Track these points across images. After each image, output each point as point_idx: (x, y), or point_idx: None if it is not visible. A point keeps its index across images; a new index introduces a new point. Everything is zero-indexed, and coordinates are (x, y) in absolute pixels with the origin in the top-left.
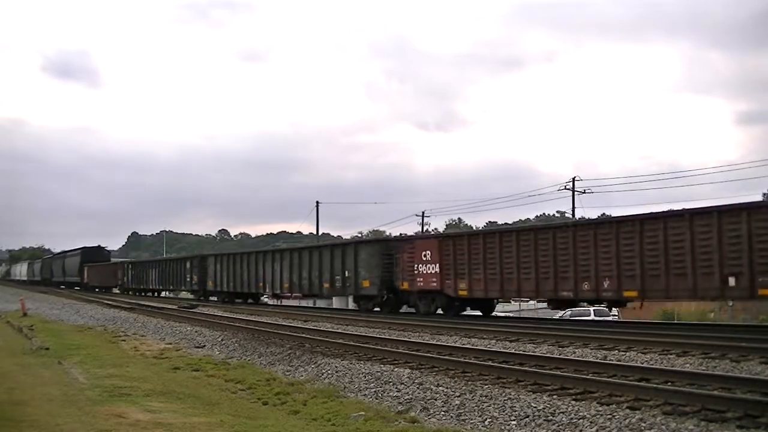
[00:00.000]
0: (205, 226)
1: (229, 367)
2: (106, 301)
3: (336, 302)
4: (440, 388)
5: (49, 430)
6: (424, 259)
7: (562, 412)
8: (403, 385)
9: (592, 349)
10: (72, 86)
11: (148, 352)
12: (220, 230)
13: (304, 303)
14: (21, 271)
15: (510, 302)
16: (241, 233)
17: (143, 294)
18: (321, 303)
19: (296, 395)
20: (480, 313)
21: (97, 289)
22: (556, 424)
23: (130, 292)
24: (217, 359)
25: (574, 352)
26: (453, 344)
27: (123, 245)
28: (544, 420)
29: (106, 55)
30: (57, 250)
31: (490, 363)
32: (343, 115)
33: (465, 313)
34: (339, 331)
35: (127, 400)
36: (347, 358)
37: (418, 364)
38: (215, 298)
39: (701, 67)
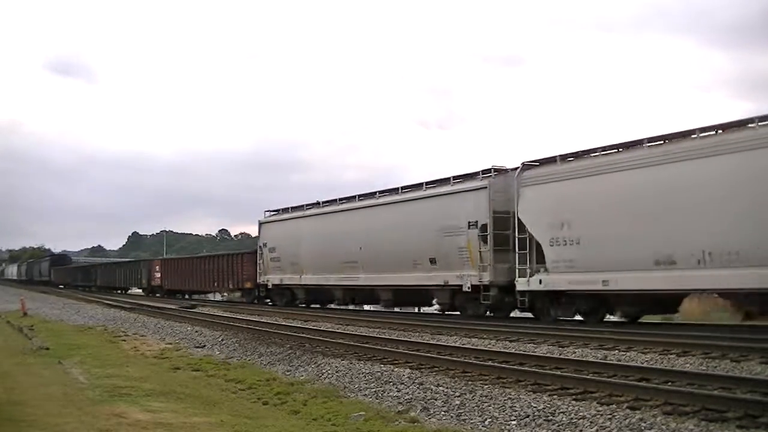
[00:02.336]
0: (205, 226)
1: (229, 367)
2: (106, 301)
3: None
4: (440, 388)
5: (49, 430)
6: (157, 269)
7: (562, 412)
8: (403, 385)
9: (592, 349)
10: (72, 86)
11: (149, 352)
12: (220, 230)
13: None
14: (12, 271)
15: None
16: (241, 233)
17: (72, 287)
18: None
19: (296, 395)
20: (187, 297)
21: (61, 286)
22: (556, 424)
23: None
24: (218, 359)
25: (574, 352)
26: (453, 344)
27: (123, 245)
28: (544, 420)
29: (106, 55)
30: (57, 250)
31: (490, 363)
32: (343, 113)
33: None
34: (339, 331)
35: (128, 400)
36: (347, 358)
37: (418, 364)
38: (95, 288)
39: (706, 66)
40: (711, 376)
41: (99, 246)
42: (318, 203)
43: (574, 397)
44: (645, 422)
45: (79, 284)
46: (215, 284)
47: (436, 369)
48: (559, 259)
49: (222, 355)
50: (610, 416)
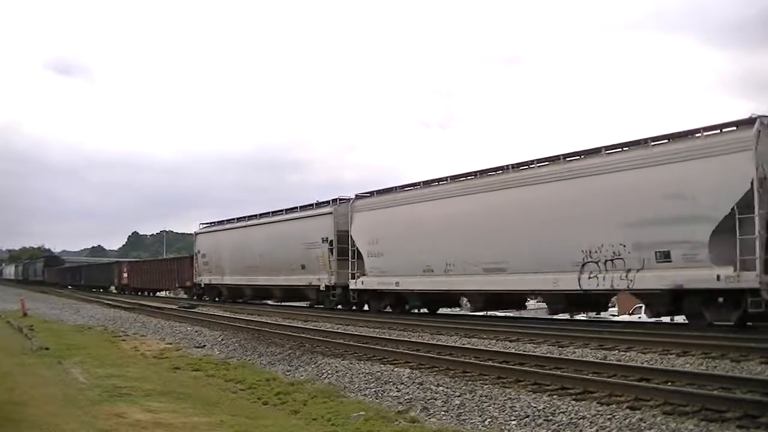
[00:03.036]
0: None
1: (229, 367)
2: (106, 301)
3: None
4: (440, 388)
5: (49, 430)
6: (125, 271)
7: (562, 412)
8: (403, 385)
9: (592, 349)
10: (72, 86)
11: (148, 351)
12: None
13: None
14: (10, 271)
15: None
16: None
17: (62, 285)
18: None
19: (296, 395)
20: (150, 293)
21: (57, 285)
22: (556, 424)
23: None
24: (217, 359)
25: (574, 352)
26: (453, 344)
27: (123, 245)
28: (544, 420)
29: (106, 55)
30: (57, 250)
31: (490, 363)
32: (344, 114)
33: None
34: (339, 331)
35: (127, 400)
36: (347, 358)
37: (418, 364)
38: (80, 287)
39: (705, 65)
40: (711, 376)
41: (99, 246)
42: (234, 219)
43: (574, 397)
44: (645, 422)
45: (68, 283)
46: (167, 283)
47: (436, 369)
48: (373, 266)
49: (222, 355)
50: (610, 416)
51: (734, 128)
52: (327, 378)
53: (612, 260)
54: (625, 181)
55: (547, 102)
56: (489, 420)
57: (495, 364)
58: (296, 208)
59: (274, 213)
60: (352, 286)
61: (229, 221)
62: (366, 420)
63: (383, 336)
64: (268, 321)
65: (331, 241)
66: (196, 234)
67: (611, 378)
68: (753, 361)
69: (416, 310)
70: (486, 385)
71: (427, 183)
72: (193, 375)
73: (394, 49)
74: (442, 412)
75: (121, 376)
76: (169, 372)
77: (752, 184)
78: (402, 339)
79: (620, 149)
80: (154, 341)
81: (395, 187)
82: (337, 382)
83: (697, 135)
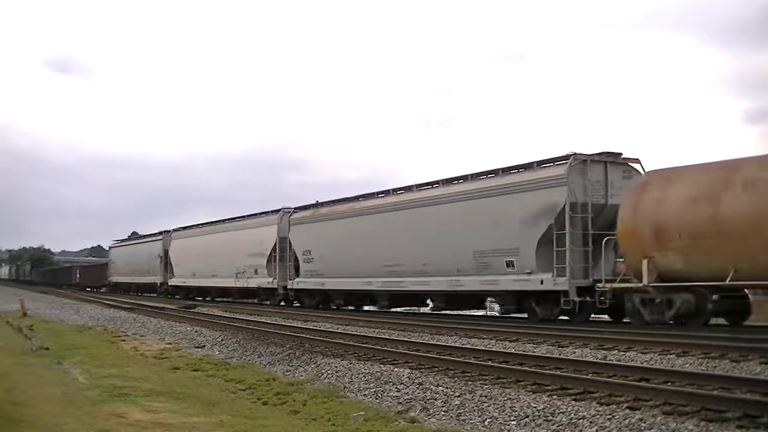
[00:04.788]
0: None
1: (229, 367)
2: (105, 301)
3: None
4: (440, 388)
5: (48, 430)
6: (78, 272)
7: (562, 412)
8: (402, 385)
9: (592, 349)
10: (71, 84)
11: (148, 352)
12: None
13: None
14: (5, 271)
15: None
16: None
17: (45, 284)
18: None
19: (296, 395)
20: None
21: (40, 284)
22: (556, 424)
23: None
24: (217, 359)
25: (574, 352)
26: (453, 344)
27: None
28: (544, 420)
29: (105, 53)
30: (57, 250)
31: (489, 363)
32: (344, 114)
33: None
34: (339, 331)
35: (127, 400)
36: (347, 358)
37: (418, 364)
38: (57, 284)
39: (709, 64)
40: (711, 376)
41: (99, 246)
42: (127, 237)
43: (573, 397)
44: (645, 422)
45: (48, 282)
46: (100, 281)
47: (436, 369)
48: (177, 272)
49: (221, 355)
50: (610, 416)
51: (275, 214)
52: (327, 378)
53: (242, 272)
54: (248, 234)
55: (549, 100)
56: (489, 420)
57: (495, 364)
58: (151, 234)
59: (145, 236)
60: (169, 283)
61: (126, 239)
62: (366, 420)
63: (383, 336)
64: (268, 321)
65: (161, 256)
66: (110, 248)
67: (611, 378)
68: (753, 361)
69: (198, 298)
70: (486, 385)
71: (204, 224)
72: (192, 375)
73: (394, 47)
74: (442, 412)
75: (120, 376)
76: (169, 372)
77: (275, 243)
78: (402, 339)
79: (254, 217)
80: (153, 341)
81: (189, 225)
82: (337, 382)
83: (263, 215)
